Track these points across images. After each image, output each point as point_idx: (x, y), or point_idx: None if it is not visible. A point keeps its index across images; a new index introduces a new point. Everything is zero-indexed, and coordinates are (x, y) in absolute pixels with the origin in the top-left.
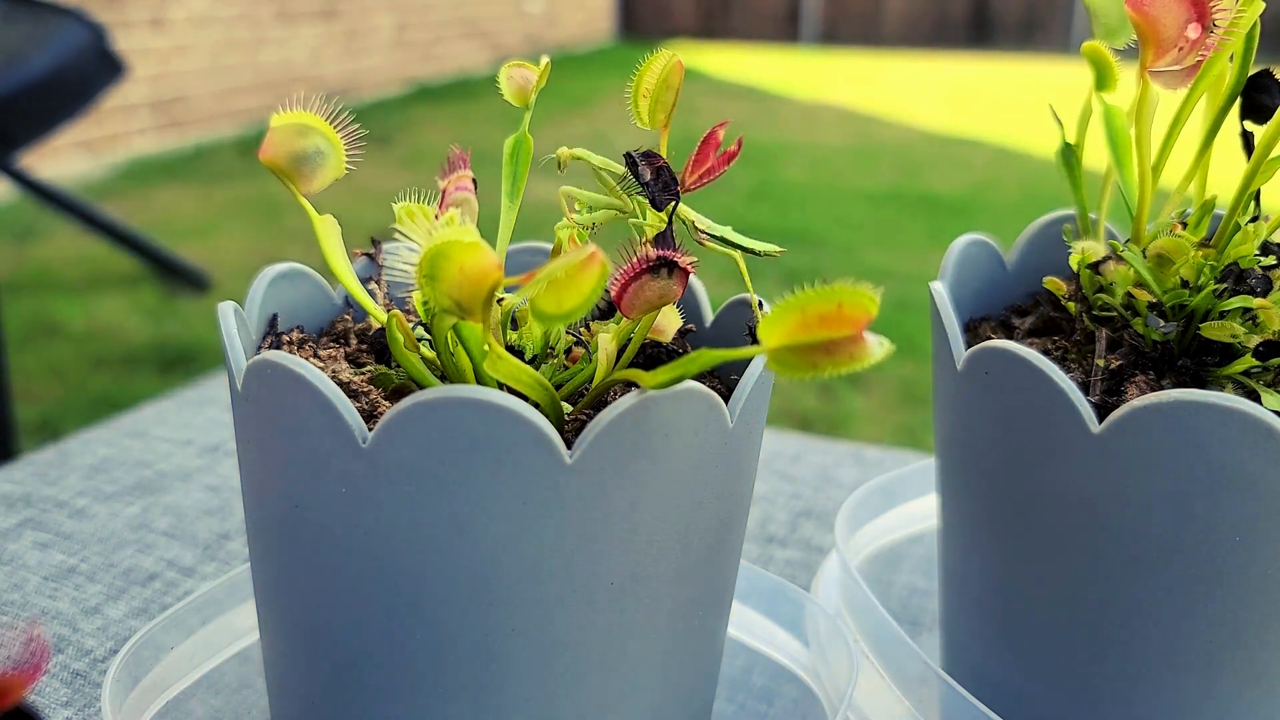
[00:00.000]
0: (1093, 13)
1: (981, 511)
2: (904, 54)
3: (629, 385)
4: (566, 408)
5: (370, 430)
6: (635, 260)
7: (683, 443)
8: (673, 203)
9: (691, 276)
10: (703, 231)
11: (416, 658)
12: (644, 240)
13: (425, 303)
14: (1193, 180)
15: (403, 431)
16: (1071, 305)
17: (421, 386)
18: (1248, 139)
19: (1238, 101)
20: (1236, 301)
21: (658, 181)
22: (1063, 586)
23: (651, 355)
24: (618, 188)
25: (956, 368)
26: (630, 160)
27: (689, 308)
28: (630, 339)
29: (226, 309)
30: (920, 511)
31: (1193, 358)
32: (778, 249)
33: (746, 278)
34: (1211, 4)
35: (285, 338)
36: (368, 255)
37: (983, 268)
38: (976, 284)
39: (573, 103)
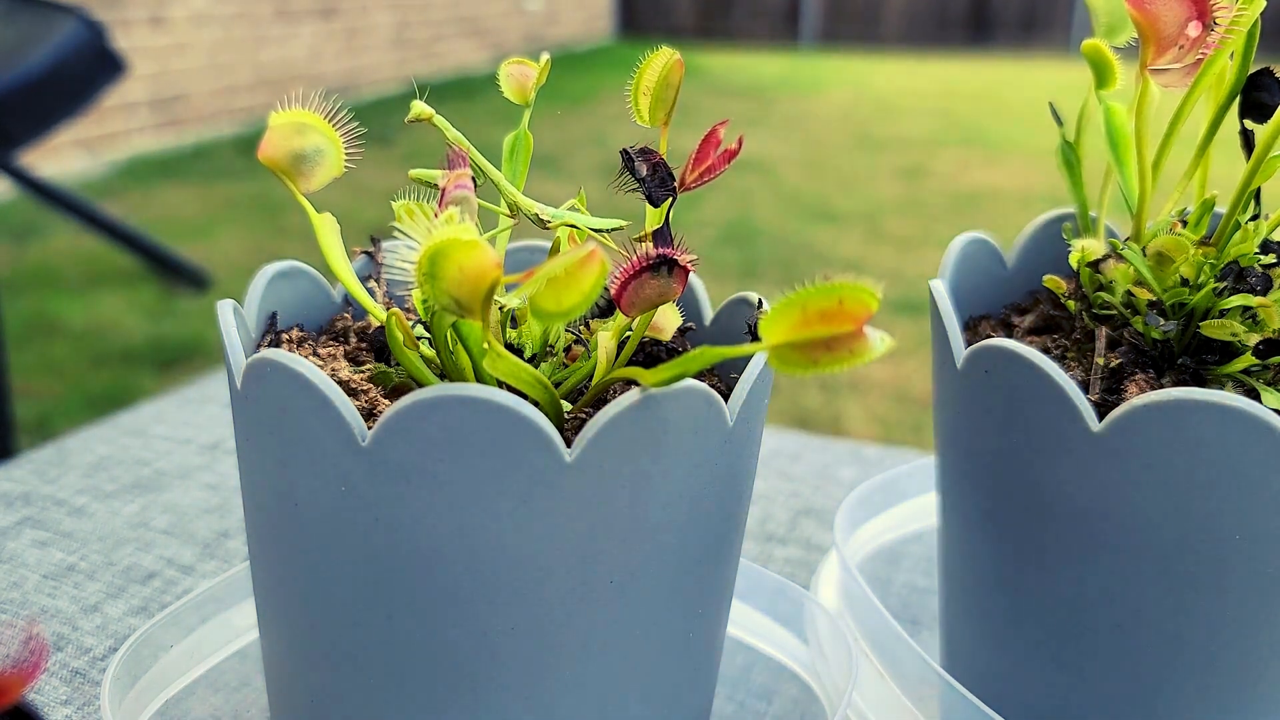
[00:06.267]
0: (1093, 11)
1: (981, 509)
2: (904, 52)
3: (629, 383)
4: (566, 406)
5: (370, 429)
6: (635, 258)
7: (682, 441)
8: (670, 199)
9: (691, 275)
10: (548, 221)
11: (416, 655)
12: (643, 236)
13: (425, 301)
14: (1192, 178)
15: (402, 430)
16: (1071, 303)
17: (421, 385)
18: (1248, 137)
19: (1238, 100)
20: (1236, 300)
21: (654, 178)
22: (1062, 584)
23: (651, 353)
24: (473, 162)
25: (956, 366)
26: (626, 156)
27: (689, 306)
28: (629, 337)
29: (226, 307)
30: (920, 510)
31: (1193, 356)
32: (622, 222)
33: (612, 244)
34: (1212, 2)
35: (284, 336)
36: (367, 253)
37: (982, 266)
38: (976, 282)
39: (572, 101)
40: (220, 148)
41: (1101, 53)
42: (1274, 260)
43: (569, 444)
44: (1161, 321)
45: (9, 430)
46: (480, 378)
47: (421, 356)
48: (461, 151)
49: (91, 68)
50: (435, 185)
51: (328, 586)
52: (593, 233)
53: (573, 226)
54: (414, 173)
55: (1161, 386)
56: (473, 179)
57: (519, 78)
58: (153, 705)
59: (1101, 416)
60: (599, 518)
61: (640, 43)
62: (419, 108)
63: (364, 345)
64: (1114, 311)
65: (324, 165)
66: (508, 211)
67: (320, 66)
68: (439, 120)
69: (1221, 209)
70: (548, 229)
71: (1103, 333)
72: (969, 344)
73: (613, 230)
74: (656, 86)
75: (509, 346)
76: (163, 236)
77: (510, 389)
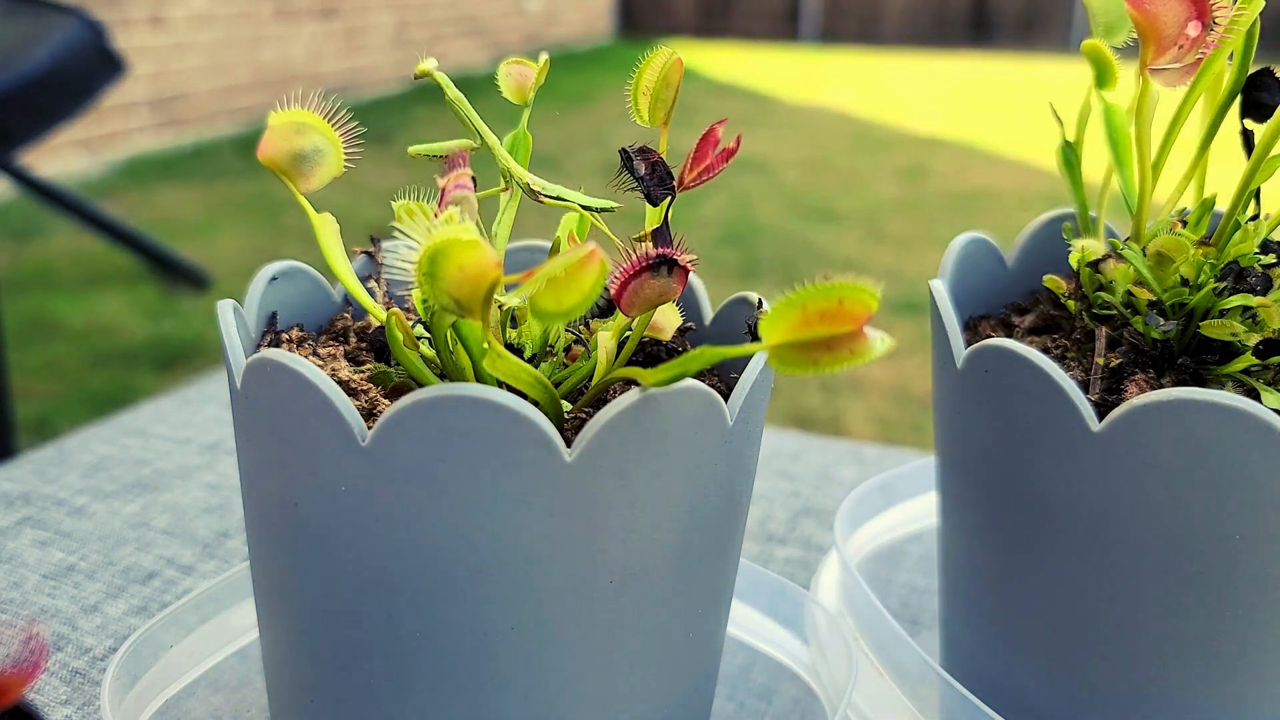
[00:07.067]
0: (1092, 10)
1: (981, 510)
2: (903, 52)
3: (629, 383)
4: (566, 406)
5: (370, 429)
6: (635, 258)
7: (682, 441)
8: (669, 198)
9: (691, 274)
10: (539, 192)
11: (415, 655)
12: (642, 236)
13: (424, 301)
14: (1192, 178)
15: (402, 430)
16: (1071, 303)
17: (421, 385)
18: (1247, 137)
19: (1237, 99)
20: (1236, 300)
21: (653, 176)
22: (1062, 584)
23: (651, 353)
24: (468, 121)
25: (956, 366)
26: (625, 155)
27: (688, 306)
28: (629, 336)
29: (226, 307)
30: (920, 509)
31: (1193, 356)
32: (614, 204)
33: (604, 227)
34: (1211, 2)
35: (284, 336)
36: (367, 253)
37: (982, 266)
38: (976, 282)
39: (572, 101)
40: (220, 148)
41: (1101, 52)
42: (1274, 260)
43: (569, 444)
44: (1161, 321)
45: (9, 430)
46: (480, 378)
47: (421, 356)
48: (462, 151)
49: (91, 68)
50: (433, 157)
51: (328, 586)
52: (584, 210)
53: (563, 200)
54: (413, 149)
55: (1161, 386)
56: (472, 178)
57: (518, 78)
58: (153, 705)
59: (1101, 416)
60: (599, 518)
61: (640, 42)
62: (424, 65)
63: (364, 345)
64: (1114, 311)
65: (324, 165)
66: (502, 185)
67: (320, 66)
68: (440, 76)
69: (1221, 209)
70: (540, 202)
71: (1103, 333)
72: (969, 344)
73: (604, 210)
74: (656, 86)
75: (509, 346)
76: (163, 236)
77: (510, 389)
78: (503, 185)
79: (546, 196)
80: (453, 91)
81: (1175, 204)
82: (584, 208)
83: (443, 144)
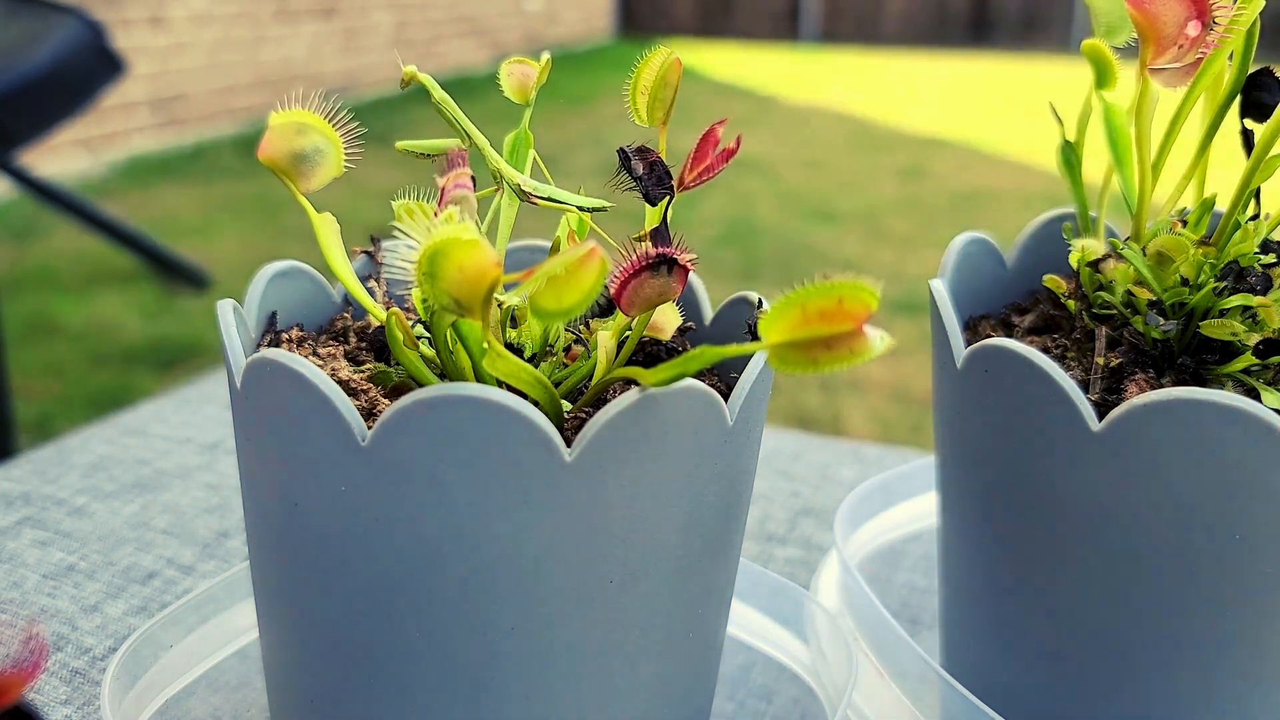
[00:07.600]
0: (1093, 10)
1: (981, 509)
2: (904, 52)
3: (628, 383)
4: (566, 405)
5: (369, 428)
6: (635, 257)
7: (682, 441)
8: (668, 198)
9: (691, 274)
10: (530, 193)
11: (415, 655)
12: (642, 235)
13: (424, 300)
14: (1192, 178)
15: (402, 430)
16: (1071, 303)
17: (421, 384)
18: (1247, 137)
19: (1237, 99)
20: (1236, 299)
21: (651, 176)
22: (1062, 585)
23: (651, 353)
24: (456, 123)
25: (956, 366)
26: (624, 155)
27: (688, 305)
28: (629, 336)
29: (225, 307)
30: (920, 509)
31: (1193, 356)
32: (606, 203)
33: (596, 229)
34: (1211, 2)
35: (284, 336)
36: (367, 253)
37: (982, 266)
38: (976, 282)
39: (572, 100)
40: (220, 148)
41: (1101, 52)
42: (1274, 260)
43: (569, 444)
44: (1161, 321)
45: (9, 430)
46: (480, 377)
47: (421, 356)
48: (461, 151)
49: (91, 68)
50: (422, 156)
51: (327, 586)
52: (577, 210)
53: (554, 200)
54: (400, 144)
55: (1161, 386)
56: (471, 178)
57: (520, 77)
58: (153, 705)
59: (1101, 416)
60: (599, 518)
61: (640, 42)
62: (409, 70)
63: (364, 345)
64: (1114, 311)
65: (324, 165)
66: (494, 183)
67: (320, 66)
68: (425, 78)
69: (1221, 209)
70: (531, 203)
71: (1103, 332)
72: (969, 344)
73: (596, 210)
74: (654, 86)
75: (509, 346)
76: (163, 236)
77: (510, 389)
78: (495, 186)
79: (538, 197)
80: (439, 93)
81: (1175, 204)
82: (576, 208)
83: (432, 142)
